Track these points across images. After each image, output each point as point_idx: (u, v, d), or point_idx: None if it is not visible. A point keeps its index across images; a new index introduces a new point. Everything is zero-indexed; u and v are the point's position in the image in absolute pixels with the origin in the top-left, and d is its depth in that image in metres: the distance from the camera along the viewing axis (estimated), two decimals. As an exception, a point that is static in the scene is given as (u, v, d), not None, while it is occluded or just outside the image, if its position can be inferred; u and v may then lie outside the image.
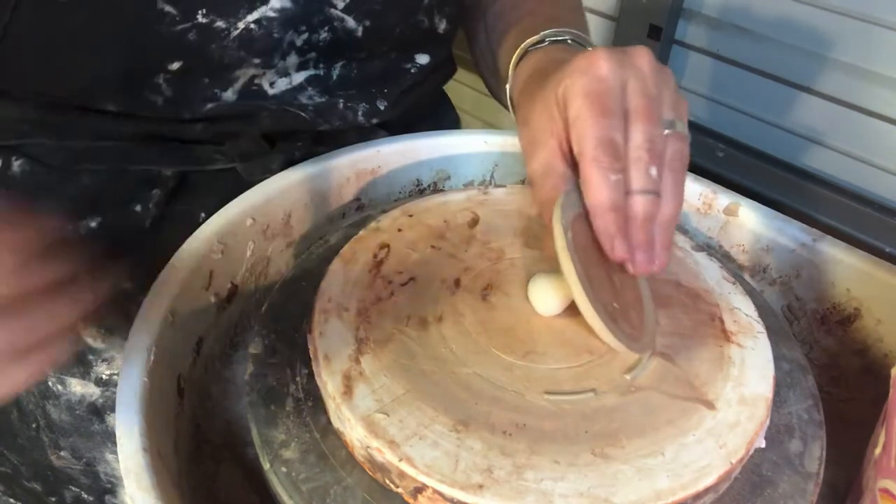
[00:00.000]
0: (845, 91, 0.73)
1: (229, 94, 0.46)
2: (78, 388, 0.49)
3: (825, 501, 0.36)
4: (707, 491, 0.29)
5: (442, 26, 0.52)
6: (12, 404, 0.50)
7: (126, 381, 0.34)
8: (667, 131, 0.35)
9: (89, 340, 0.48)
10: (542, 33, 0.46)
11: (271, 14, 0.42)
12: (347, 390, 0.31)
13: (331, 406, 0.32)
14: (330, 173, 0.49)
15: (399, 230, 0.41)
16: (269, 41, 0.44)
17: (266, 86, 0.47)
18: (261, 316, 0.39)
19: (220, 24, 0.42)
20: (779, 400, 0.35)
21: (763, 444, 0.32)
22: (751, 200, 0.47)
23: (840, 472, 0.37)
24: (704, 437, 0.30)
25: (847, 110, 0.74)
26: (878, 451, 0.31)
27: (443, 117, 0.63)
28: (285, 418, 0.33)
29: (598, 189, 0.34)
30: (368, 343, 0.34)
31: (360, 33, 0.46)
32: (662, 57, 0.86)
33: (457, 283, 0.38)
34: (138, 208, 0.49)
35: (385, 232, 0.41)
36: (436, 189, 0.54)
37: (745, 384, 0.33)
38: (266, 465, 0.31)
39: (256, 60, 0.44)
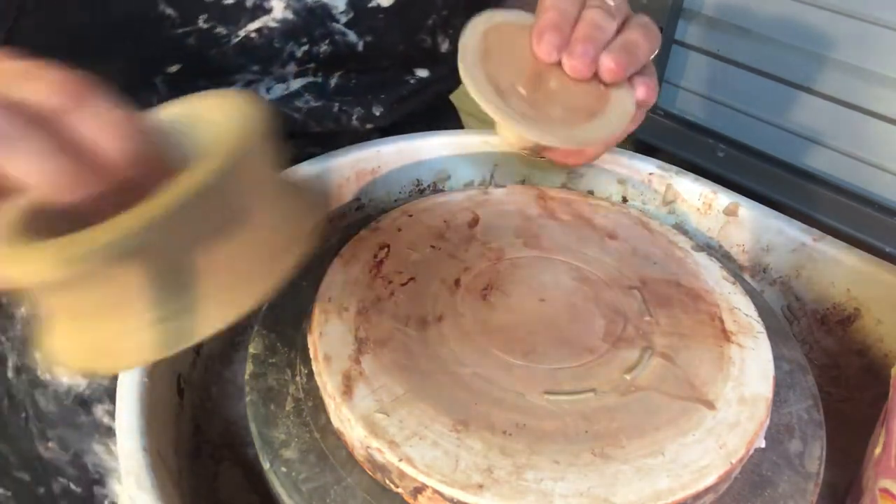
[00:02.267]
0: (845, 91, 0.73)
1: None
2: (65, 378, 0.49)
3: (825, 501, 0.36)
4: (707, 491, 0.29)
5: (444, 46, 0.52)
6: (3, 392, 0.49)
7: (126, 381, 0.34)
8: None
9: None
10: None
11: (273, 24, 0.42)
12: (347, 390, 0.31)
13: (331, 406, 0.32)
14: (330, 173, 0.49)
15: (399, 230, 0.41)
16: (269, 50, 0.43)
17: (263, 91, 0.47)
18: (261, 316, 0.39)
19: (220, 30, 0.41)
20: (779, 400, 0.35)
21: (763, 444, 0.32)
22: (751, 200, 0.47)
23: (840, 472, 0.37)
24: (704, 437, 0.30)
25: (847, 110, 0.74)
26: (878, 451, 0.31)
27: (443, 124, 0.62)
28: (285, 418, 0.33)
29: None
30: (368, 343, 0.34)
31: (360, 47, 0.46)
32: (662, 57, 0.86)
33: (457, 283, 0.37)
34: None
35: (385, 232, 0.41)
36: (436, 189, 0.54)
37: (745, 384, 0.33)
38: (266, 465, 0.31)
39: (255, 67, 0.44)
